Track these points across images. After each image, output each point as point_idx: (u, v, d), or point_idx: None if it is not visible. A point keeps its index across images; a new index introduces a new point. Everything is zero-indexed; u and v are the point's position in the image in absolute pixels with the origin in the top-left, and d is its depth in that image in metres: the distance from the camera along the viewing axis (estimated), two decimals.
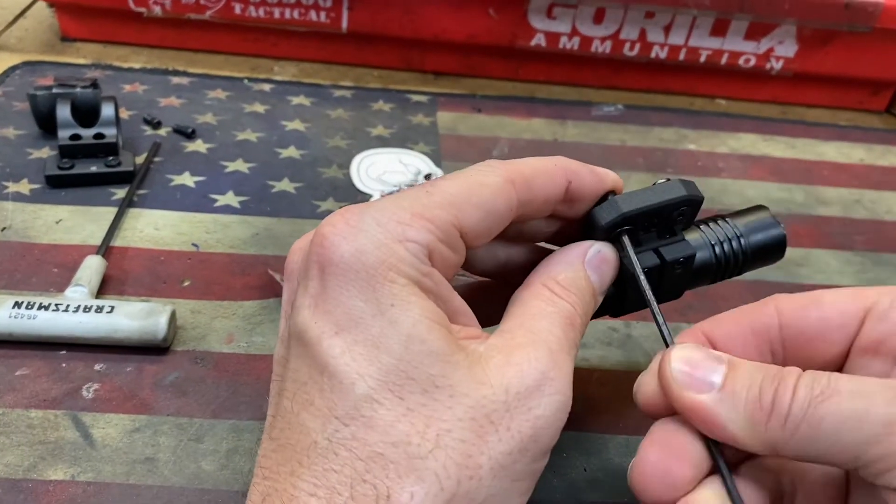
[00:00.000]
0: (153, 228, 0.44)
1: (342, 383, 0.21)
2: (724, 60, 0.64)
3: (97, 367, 0.35)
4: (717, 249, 0.30)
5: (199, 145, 0.52)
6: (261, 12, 0.61)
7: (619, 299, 0.29)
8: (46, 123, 0.49)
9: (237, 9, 0.61)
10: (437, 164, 0.53)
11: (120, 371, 0.35)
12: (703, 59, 0.64)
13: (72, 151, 0.46)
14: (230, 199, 0.47)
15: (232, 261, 0.42)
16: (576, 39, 0.63)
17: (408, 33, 0.62)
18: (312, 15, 0.61)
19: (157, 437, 0.32)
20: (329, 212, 0.46)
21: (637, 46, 0.63)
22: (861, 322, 0.26)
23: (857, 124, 0.66)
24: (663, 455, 0.24)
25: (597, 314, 0.29)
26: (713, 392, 0.23)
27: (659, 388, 0.25)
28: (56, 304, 0.35)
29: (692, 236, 0.30)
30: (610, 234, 0.28)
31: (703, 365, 0.24)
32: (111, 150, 0.47)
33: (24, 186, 0.46)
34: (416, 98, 0.61)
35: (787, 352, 0.27)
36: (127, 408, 0.33)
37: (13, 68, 0.59)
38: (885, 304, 0.25)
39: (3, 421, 0.32)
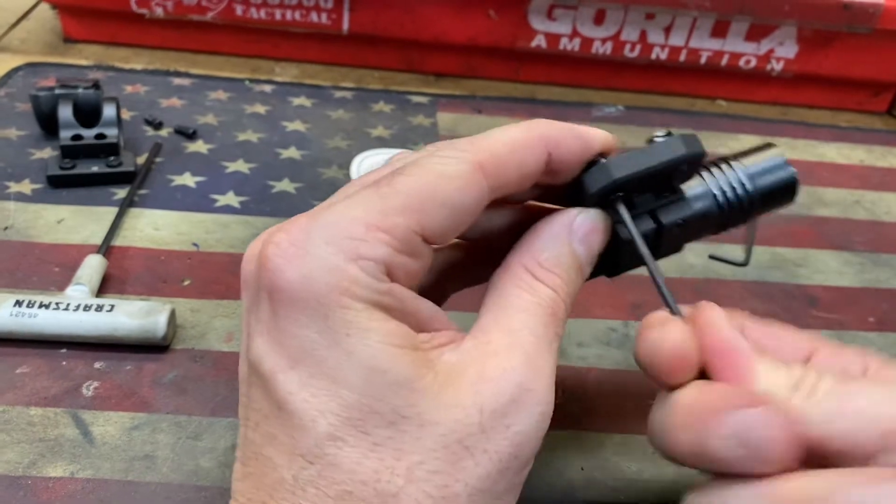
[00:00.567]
0: (154, 228, 0.44)
1: (302, 420, 0.20)
2: (724, 62, 0.64)
3: (97, 365, 0.35)
4: (721, 198, 0.28)
5: (199, 146, 0.52)
6: (262, 13, 0.61)
7: (612, 262, 0.27)
8: (48, 124, 0.49)
9: (238, 10, 0.61)
10: None
11: (120, 369, 0.35)
12: (703, 60, 0.64)
13: (73, 152, 0.47)
14: (230, 199, 0.47)
15: (232, 260, 0.42)
16: (576, 41, 0.63)
17: (408, 35, 0.62)
18: (313, 16, 0.61)
19: (156, 435, 0.32)
20: None
21: (638, 47, 0.63)
22: None
23: (857, 125, 0.66)
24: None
25: (589, 277, 0.26)
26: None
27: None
28: (56, 303, 0.35)
29: (693, 186, 0.27)
30: (602, 203, 0.25)
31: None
32: (112, 150, 0.47)
33: (26, 186, 0.46)
34: (416, 99, 0.62)
35: None
36: (126, 405, 0.33)
37: (16, 69, 0.59)
38: None
39: (3, 418, 0.32)
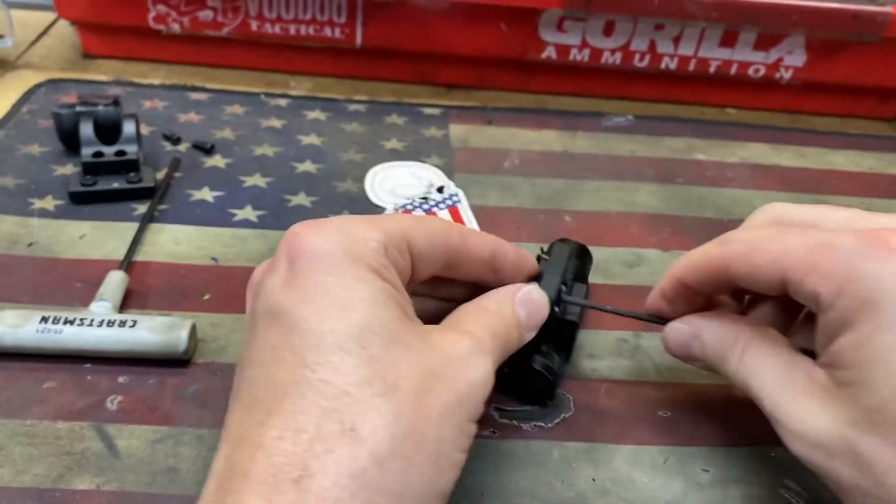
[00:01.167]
0: (174, 243, 0.45)
1: (313, 337, 0.24)
2: (733, 70, 0.65)
3: (121, 379, 0.36)
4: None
5: (217, 160, 0.53)
6: (276, 28, 0.62)
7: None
8: (70, 140, 0.50)
9: (253, 26, 0.62)
10: (450, 176, 0.54)
11: (143, 383, 0.36)
12: (712, 69, 0.65)
13: (94, 168, 0.48)
14: (248, 213, 0.48)
15: (250, 275, 0.43)
16: (586, 51, 0.64)
17: (420, 47, 0.63)
18: (327, 31, 0.62)
19: (179, 448, 0.33)
20: None
21: (647, 58, 0.64)
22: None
23: (867, 132, 0.67)
24: None
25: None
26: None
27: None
28: (81, 319, 0.36)
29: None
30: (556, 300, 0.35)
31: None
32: (132, 166, 0.48)
33: (49, 203, 0.47)
34: (428, 111, 0.62)
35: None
36: (149, 419, 0.34)
37: (38, 86, 0.60)
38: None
39: (31, 432, 0.33)
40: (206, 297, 0.41)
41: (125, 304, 0.40)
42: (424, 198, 0.51)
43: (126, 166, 0.48)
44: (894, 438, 0.25)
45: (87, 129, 0.48)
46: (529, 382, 0.35)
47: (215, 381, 0.36)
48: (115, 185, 0.48)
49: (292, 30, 0.62)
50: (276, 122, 0.59)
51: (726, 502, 0.33)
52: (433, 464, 0.24)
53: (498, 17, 0.61)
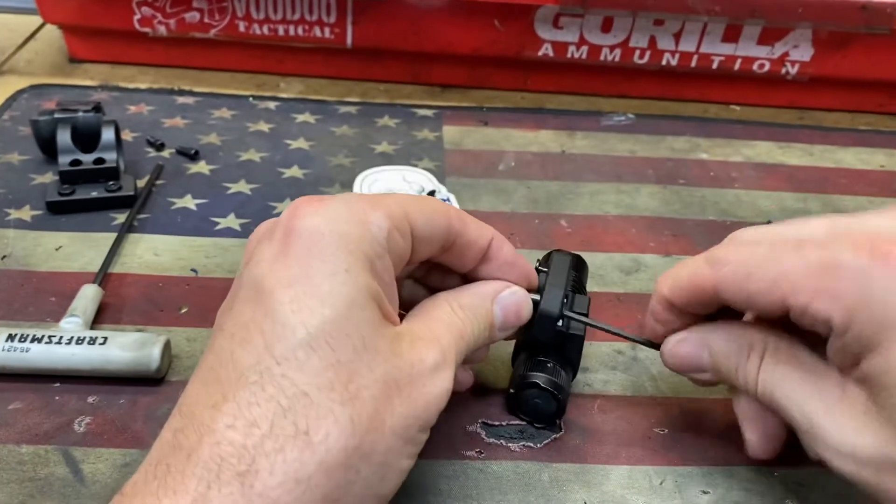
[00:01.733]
0: (153, 254, 0.43)
1: (285, 327, 0.23)
2: (737, 66, 0.63)
3: (90, 399, 0.34)
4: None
5: (202, 166, 0.52)
6: (265, 30, 0.61)
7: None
8: (49, 148, 0.49)
9: (241, 27, 0.60)
10: (441, 180, 0.52)
11: (113, 403, 0.34)
12: (715, 65, 0.63)
13: (72, 177, 0.46)
14: (231, 221, 0.47)
15: (230, 286, 0.41)
16: (584, 48, 0.62)
17: (413, 47, 0.61)
18: (317, 31, 0.61)
19: None
20: None
21: (647, 54, 0.62)
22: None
23: (876, 128, 0.64)
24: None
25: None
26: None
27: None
28: (49, 337, 0.35)
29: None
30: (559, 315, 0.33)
31: None
32: (112, 174, 0.47)
33: (26, 213, 0.46)
34: (421, 112, 0.61)
35: None
36: (118, 442, 0.32)
37: (20, 92, 0.59)
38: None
39: None
40: (184, 310, 0.40)
41: (98, 318, 0.38)
42: None
43: (105, 174, 0.47)
44: None
45: (64, 137, 0.47)
46: (536, 402, 0.34)
47: None
48: (94, 193, 0.46)
49: (281, 31, 0.61)
50: (264, 126, 0.57)
51: None
52: (378, 474, 0.24)
53: (492, 13, 0.60)
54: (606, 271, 0.45)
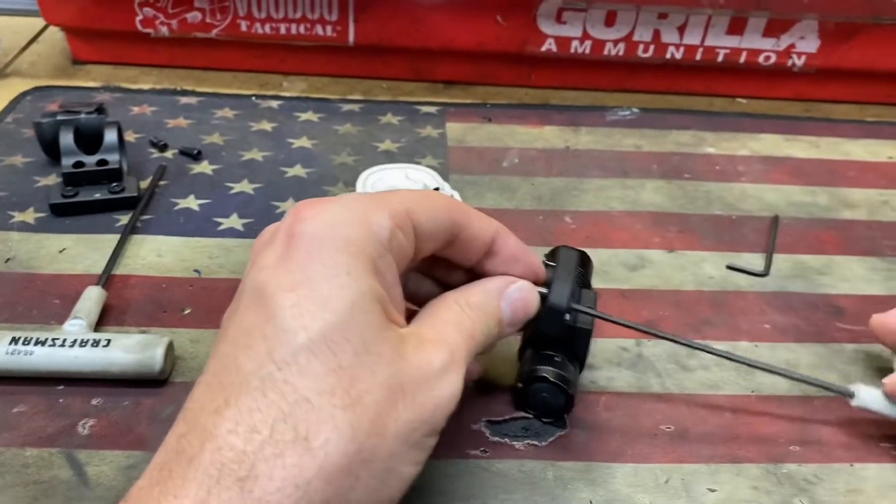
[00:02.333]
0: (156, 255, 0.43)
1: (286, 332, 0.23)
2: (742, 59, 0.62)
3: (94, 401, 0.34)
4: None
5: (204, 167, 0.52)
6: (267, 28, 0.61)
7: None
8: (52, 150, 0.49)
9: (243, 26, 0.60)
10: (445, 177, 0.52)
11: (117, 405, 0.34)
12: (720, 58, 0.62)
13: (75, 179, 0.46)
14: (234, 221, 0.46)
15: (233, 287, 0.40)
16: (588, 43, 0.61)
17: (415, 43, 0.61)
18: (318, 29, 0.61)
19: None
20: None
21: (651, 48, 0.62)
22: None
23: (885, 119, 0.64)
24: None
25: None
26: None
27: None
28: (53, 339, 0.35)
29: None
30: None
31: None
32: (115, 176, 0.47)
33: (30, 215, 0.46)
34: (424, 109, 0.60)
35: None
36: (122, 444, 0.32)
37: (24, 94, 0.59)
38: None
39: None
40: (187, 311, 0.40)
41: (102, 320, 0.38)
42: None
43: (108, 176, 0.47)
44: None
45: (67, 139, 0.47)
46: (544, 396, 0.34)
47: None
48: (97, 195, 0.46)
49: (283, 29, 0.61)
50: (267, 125, 0.57)
51: None
52: (379, 479, 0.24)
53: (494, 9, 0.59)
54: (611, 267, 0.44)
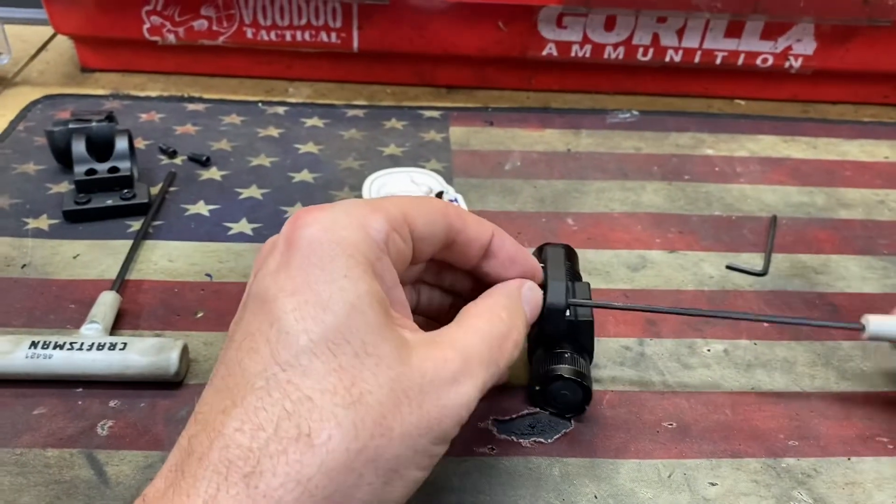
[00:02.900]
0: (167, 260, 0.44)
1: (288, 335, 0.24)
2: (740, 61, 0.63)
3: (112, 403, 0.35)
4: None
5: (213, 173, 0.53)
6: (272, 35, 0.62)
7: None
8: (64, 158, 0.50)
9: (249, 33, 0.61)
10: (449, 180, 0.53)
11: (134, 407, 0.35)
12: (718, 60, 0.63)
13: (88, 186, 0.47)
14: (244, 226, 0.47)
15: (244, 290, 0.42)
16: (588, 47, 0.62)
17: (418, 49, 0.62)
18: (323, 36, 0.62)
19: None
20: None
21: (650, 51, 0.63)
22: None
23: (881, 120, 0.65)
24: None
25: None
26: None
27: None
28: (71, 343, 0.36)
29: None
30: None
31: None
32: (126, 182, 0.48)
33: (44, 222, 0.47)
34: (428, 114, 0.61)
35: None
36: (140, 444, 0.33)
37: (34, 102, 0.60)
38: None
39: (20, 461, 0.32)
40: (200, 314, 0.41)
41: (117, 324, 0.39)
42: None
43: (120, 183, 0.48)
44: None
45: (79, 147, 0.48)
46: (564, 393, 0.35)
47: None
48: (109, 202, 0.47)
49: (288, 36, 0.62)
50: (274, 131, 0.58)
51: None
52: (383, 480, 0.24)
53: (495, 15, 0.60)
54: (613, 268, 0.45)
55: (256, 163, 0.54)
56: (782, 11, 0.59)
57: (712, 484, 0.33)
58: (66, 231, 0.46)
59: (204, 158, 0.53)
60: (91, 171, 0.48)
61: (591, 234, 0.48)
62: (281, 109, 0.61)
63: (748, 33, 0.61)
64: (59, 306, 0.41)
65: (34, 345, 0.36)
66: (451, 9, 0.60)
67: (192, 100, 0.62)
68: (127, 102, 0.61)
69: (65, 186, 0.50)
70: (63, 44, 0.70)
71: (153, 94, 0.62)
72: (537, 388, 0.35)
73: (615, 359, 0.39)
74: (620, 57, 0.63)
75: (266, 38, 0.62)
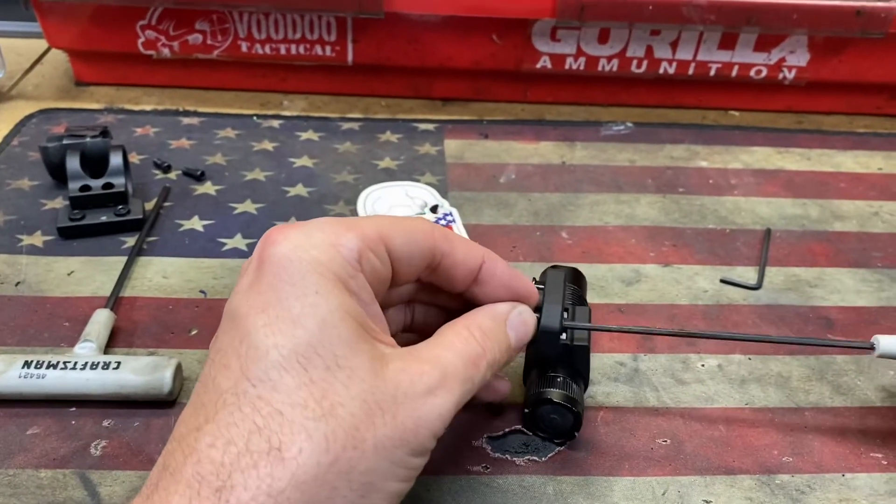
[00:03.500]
0: (162, 277, 0.44)
1: (258, 350, 0.24)
2: (734, 73, 0.63)
3: (105, 423, 0.35)
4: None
5: (208, 187, 0.53)
6: (267, 49, 0.62)
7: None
8: (59, 174, 0.50)
9: (244, 47, 0.61)
10: (444, 194, 0.53)
11: (128, 426, 0.35)
12: (712, 72, 0.63)
13: (82, 202, 0.47)
14: (238, 241, 0.47)
15: None
16: (582, 60, 0.62)
17: (413, 62, 0.62)
18: (318, 49, 0.62)
19: None
20: None
21: (644, 63, 0.63)
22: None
23: (875, 130, 0.65)
24: None
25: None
26: None
27: None
28: (64, 363, 0.36)
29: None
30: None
31: None
32: (120, 199, 0.48)
33: (38, 239, 0.47)
34: (423, 127, 0.61)
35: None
36: (134, 464, 0.33)
37: (29, 117, 0.60)
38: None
39: (13, 482, 0.32)
40: (194, 332, 0.41)
41: (112, 342, 0.39)
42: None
43: (114, 199, 0.48)
44: None
45: (73, 163, 0.48)
46: (553, 417, 0.34)
47: None
48: (104, 218, 0.47)
49: (283, 50, 0.62)
50: (269, 145, 0.58)
51: None
52: (359, 493, 0.24)
53: (490, 28, 0.60)
54: (607, 282, 0.46)
55: (251, 177, 0.54)
56: (776, 24, 0.59)
57: (706, 501, 0.33)
58: (60, 247, 0.46)
59: (198, 173, 0.53)
60: (85, 188, 0.48)
61: (585, 248, 0.48)
62: (276, 123, 0.61)
63: (742, 45, 0.62)
64: (53, 324, 0.41)
65: (27, 364, 0.35)
66: (445, 22, 0.60)
67: (186, 113, 0.62)
68: (121, 116, 0.61)
69: (59, 202, 0.50)
70: (58, 57, 0.70)
71: (148, 107, 0.62)
72: (527, 410, 0.35)
73: (609, 374, 0.39)
74: (614, 69, 0.63)
75: (261, 51, 0.62)
